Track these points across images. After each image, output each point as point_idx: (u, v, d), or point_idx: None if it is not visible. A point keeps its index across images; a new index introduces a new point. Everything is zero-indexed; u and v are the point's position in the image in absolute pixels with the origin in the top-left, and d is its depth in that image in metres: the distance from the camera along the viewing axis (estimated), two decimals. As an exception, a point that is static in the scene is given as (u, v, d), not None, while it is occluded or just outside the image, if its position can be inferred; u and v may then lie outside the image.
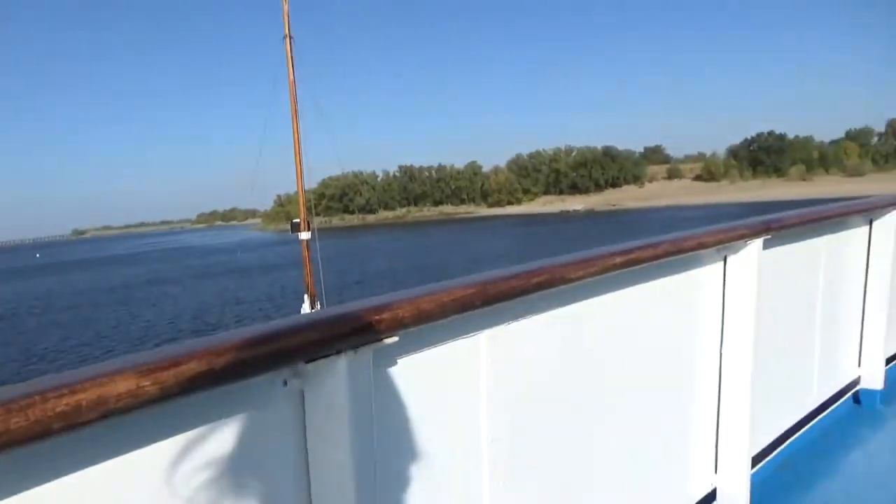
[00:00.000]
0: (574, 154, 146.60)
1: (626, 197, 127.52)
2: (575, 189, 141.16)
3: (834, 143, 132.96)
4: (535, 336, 1.60)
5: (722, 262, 2.25)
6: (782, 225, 2.36)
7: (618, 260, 1.66)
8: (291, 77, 7.12)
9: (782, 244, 2.53)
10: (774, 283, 2.44)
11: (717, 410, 2.29)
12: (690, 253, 1.96)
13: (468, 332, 1.40)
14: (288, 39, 7.10)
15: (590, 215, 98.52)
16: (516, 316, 1.51)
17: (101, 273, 64.10)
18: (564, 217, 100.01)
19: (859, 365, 3.26)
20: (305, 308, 7.52)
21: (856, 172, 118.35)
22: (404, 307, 1.12)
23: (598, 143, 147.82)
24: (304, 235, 7.55)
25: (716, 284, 2.27)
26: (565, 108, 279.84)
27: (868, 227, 3.19)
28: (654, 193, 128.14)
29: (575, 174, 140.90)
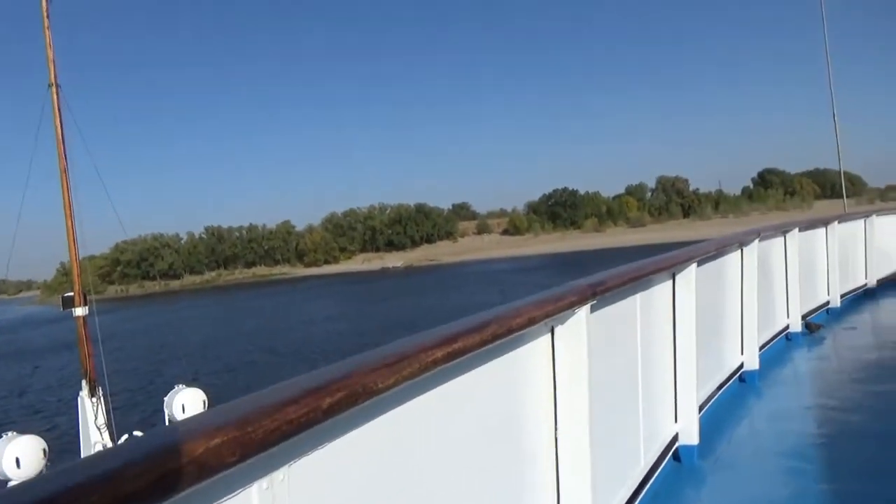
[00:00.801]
0: (388, 211, 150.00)
1: (441, 252, 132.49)
2: (391, 246, 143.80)
3: (617, 197, 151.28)
4: (337, 469, 1.23)
5: (549, 334, 2.10)
6: (606, 287, 2.29)
7: (438, 354, 1.36)
8: (59, 130, 6.20)
9: (606, 306, 2.46)
10: (601, 348, 2.35)
11: (556, 495, 2.10)
12: (519, 332, 1.76)
13: (242, 485, 0.99)
14: (54, 88, 6.20)
15: (409, 271, 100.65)
16: (307, 450, 1.12)
17: None
18: (385, 274, 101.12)
19: (676, 420, 3.32)
20: (84, 395, 6.40)
21: (638, 223, 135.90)
22: (152, 469, 0.77)
23: (409, 201, 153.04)
24: (80, 311, 6.48)
25: (545, 357, 2.10)
26: (371, 165, 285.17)
27: (671, 281, 3.32)
28: (468, 248, 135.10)
29: (391, 231, 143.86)
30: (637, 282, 2.77)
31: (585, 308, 2.10)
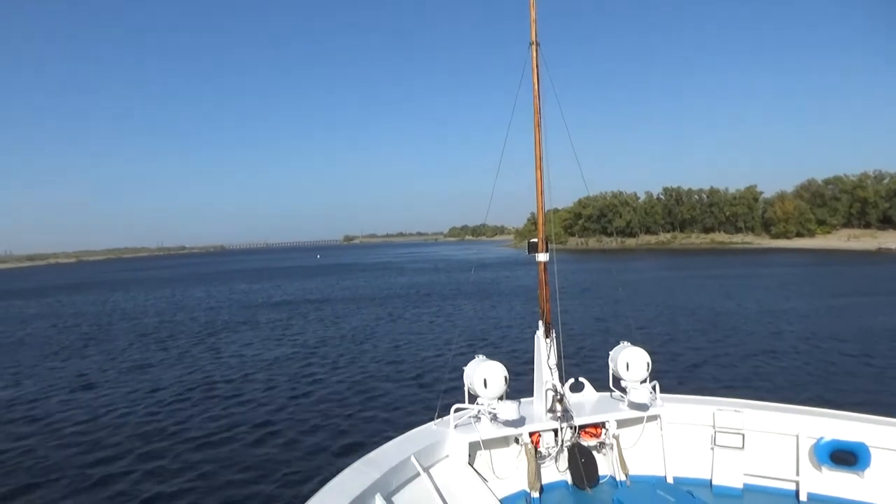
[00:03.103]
0: (887, 181, 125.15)
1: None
2: (887, 222, 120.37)
3: None
4: None
5: None
6: None
7: None
8: (536, 88, 6.84)
9: None
10: None
11: None
12: None
13: None
14: (534, 46, 6.84)
15: None
16: None
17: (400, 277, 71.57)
18: (881, 255, 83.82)
19: None
20: (539, 335, 7.17)
21: None
22: None
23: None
24: (542, 257, 7.20)
25: None
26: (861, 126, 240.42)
27: None
28: None
29: (888, 205, 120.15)
30: None
31: None
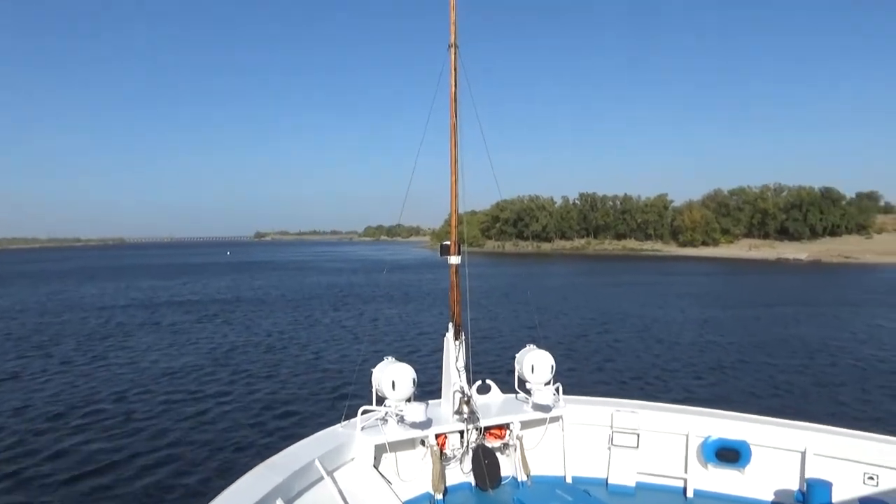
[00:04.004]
0: (785, 194, 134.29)
1: (852, 248, 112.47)
2: (784, 234, 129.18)
3: None
4: None
5: None
6: None
7: None
8: (453, 90, 6.99)
9: None
10: None
11: None
12: None
13: None
14: (453, 48, 6.99)
15: (814, 267, 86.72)
16: None
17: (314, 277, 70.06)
18: (780, 265, 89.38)
19: None
20: (449, 337, 7.34)
21: None
22: None
23: (809, 183, 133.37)
24: (454, 260, 7.36)
25: None
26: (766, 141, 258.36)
27: None
28: (893, 247, 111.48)
29: (786, 217, 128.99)
30: None
31: None
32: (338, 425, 6.70)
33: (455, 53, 6.96)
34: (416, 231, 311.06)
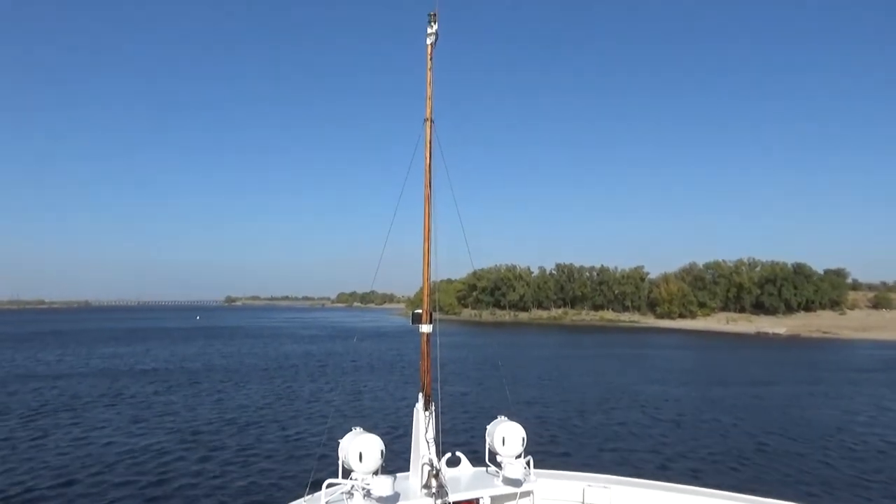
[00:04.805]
0: (759, 269, 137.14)
1: (831, 325, 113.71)
2: (759, 308, 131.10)
3: None
4: None
5: None
6: None
7: None
8: (428, 161, 7.25)
9: None
10: None
11: None
12: None
13: None
14: (429, 122, 7.28)
15: (793, 341, 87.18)
16: None
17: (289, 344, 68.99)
18: (760, 339, 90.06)
19: None
20: (419, 408, 7.31)
21: None
22: None
23: (782, 259, 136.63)
24: (425, 328, 7.43)
25: None
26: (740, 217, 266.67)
27: None
28: (868, 323, 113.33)
29: (760, 291, 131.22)
30: None
31: None
32: (301, 500, 6.58)
33: (430, 127, 7.24)
34: (391, 298, 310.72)
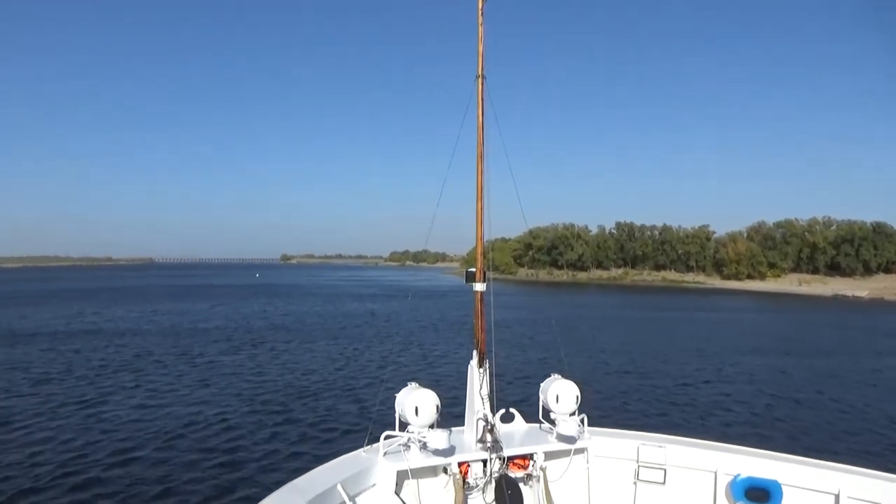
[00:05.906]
0: (834, 228, 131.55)
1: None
2: (834, 269, 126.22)
3: None
4: None
5: None
6: None
7: None
8: (480, 120, 7.30)
9: None
10: None
11: None
12: None
13: None
14: (480, 79, 7.31)
15: (874, 304, 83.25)
16: None
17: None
18: (840, 303, 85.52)
19: None
20: (473, 365, 7.48)
21: None
22: None
23: (861, 217, 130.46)
24: (479, 287, 7.56)
25: None
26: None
27: None
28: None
29: (836, 252, 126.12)
30: None
31: None
32: (360, 450, 6.88)
33: (482, 84, 7.26)
34: (443, 257, 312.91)
